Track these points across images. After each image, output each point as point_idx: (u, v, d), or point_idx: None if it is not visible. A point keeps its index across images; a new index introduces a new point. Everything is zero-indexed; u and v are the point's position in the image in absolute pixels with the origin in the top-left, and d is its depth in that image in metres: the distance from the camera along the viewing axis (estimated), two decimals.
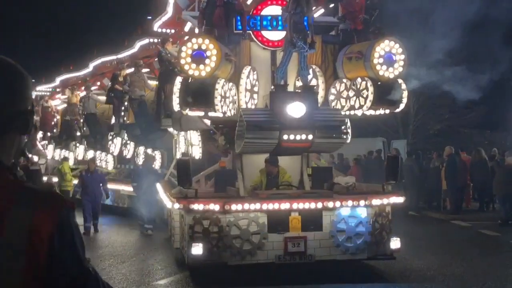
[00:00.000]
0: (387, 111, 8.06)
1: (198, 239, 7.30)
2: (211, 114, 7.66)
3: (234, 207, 7.16)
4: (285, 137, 7.23)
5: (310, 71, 8.64)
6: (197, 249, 7.21)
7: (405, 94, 7.94)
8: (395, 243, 7.62)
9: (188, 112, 7.67)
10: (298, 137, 7.26)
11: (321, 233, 7.47)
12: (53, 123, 19.90)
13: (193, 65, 7.27)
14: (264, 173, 8.45)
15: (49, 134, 19.89)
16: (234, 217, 7.27)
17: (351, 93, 8.03)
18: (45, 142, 20.45)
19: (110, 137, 15.67)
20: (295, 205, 7.28)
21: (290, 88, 8.08)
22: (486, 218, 13.26)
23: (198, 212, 7.34)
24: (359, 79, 7.87)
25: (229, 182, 8.51)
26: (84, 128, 17.92)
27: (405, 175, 13.46)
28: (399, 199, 7.83)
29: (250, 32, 8.58)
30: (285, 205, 7.25)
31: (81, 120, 17.89)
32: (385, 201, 7.64)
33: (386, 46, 7.65)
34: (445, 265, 8.47)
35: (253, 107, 8.15)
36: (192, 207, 7.30)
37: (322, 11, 9.42)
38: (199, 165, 9.66)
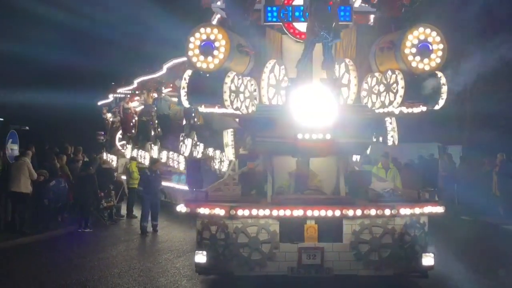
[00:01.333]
0: (424, 108, 7.04)
1: (205, 246, 6.76)
2: (221, 110, 7.08)
3: (240, 212, 6.51)
4: (299, 136, 6.48)
5: (343, 65, 7.86)
6: (200, 257, 6.66)
7: (444, 89, 6.89)
8: (427, 260, 6.63)
9: (200, 108, 7.17)
10: (314, 136, 6.49)
11: (340, 244, 6.64)
12: (132, 124, 20.48)
13: (201, 57, 6.73)
14: (294, 176, 7.77)
15: (128, 134, 20.52)
16: (242, 223, 6.63)
17: (382, 88, 7.12)
18: (124, 142, 21.11)
19: (181, 138, 15.76)
20: (309, 212, 6.51)
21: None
22: None
23: (205, 217, 6.80)
24: (389, 72, 6.94)
25: (256, 185, 7.89)
26: (159, 129, 18.38)
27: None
28: (437, 209, 6.80)
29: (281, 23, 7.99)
30: (298, 212, 6.50)
31: (156, 121, 18.37)
32: (417, 210, 6.66)
33: (421, 34, 6.65)
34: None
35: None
36: (198, 211, 6.76)
37: None
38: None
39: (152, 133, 18.52)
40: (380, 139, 7.67)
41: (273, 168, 8.18)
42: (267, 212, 6.52)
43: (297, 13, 8.08)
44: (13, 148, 12.92)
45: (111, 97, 22.48)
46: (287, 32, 8.10)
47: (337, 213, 6.51)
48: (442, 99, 6.92)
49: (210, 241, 6.75)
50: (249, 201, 7.13)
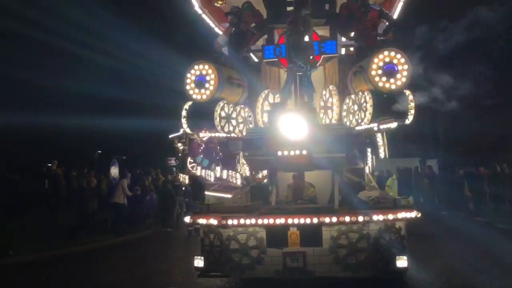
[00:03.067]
0: (395, 124, 7.72)
1: (205, 251, 7.75)
2: (215, 134, 8.17)
3: (230, 221, 7.47)
4: (279, 152, 7.40)
5: (328, 90, 8.76)
6: (199, 262, 7.64)
7: (412, 105, 7.56)
8: (401, 262, 7.17)
9: (199, 133, 8.31)
10: (292, 153, 7.38)
11: (320, 249, 7.35)
12: (199, 150, 22.56)
13: (196, 90, 7.92)
14: (291, 188, 8.75)
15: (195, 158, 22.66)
16: (233, 231, 7.57)
17: (356, 107, 7.91)
18: (194, 164, 23.27)
19: (238, 159, 17.24)
20: (290, 220, 7.32)
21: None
22: None
23: (205, 226, 7.82)
24: (360, 93, 7.74)
25: (264, 196, 8.91)
26: (220, 153, 20.28)
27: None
28: (411, 214, 7.38)
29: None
30: (280, 220, 7.35)
31: (217, 147, 20.19)
32: (390, 216, 7.27)
33: (386, 57, 7.43)
34: None
35: None
36: (198, 221, 7.79)
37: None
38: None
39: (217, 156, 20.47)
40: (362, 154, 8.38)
41: (278, 181, 9.30)
42: (253, 220, 7.42)
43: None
44: (115, 172, 18.11)
45: (181, 130, 24.91)
46: (283, 66, 9.18)
47: (315, 220, 7.28)
48: (410, 114, 7.59)
49: (209, 247, 7.75)
50: (248, 211, 8.04)
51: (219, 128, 7.89)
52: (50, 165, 22.39)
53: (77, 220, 16.00)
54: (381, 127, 8.01)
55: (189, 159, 24.78)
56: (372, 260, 7.23)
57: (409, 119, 7.64)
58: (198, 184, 14.15)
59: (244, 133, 8.31)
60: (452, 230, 14.25)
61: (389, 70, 7.41)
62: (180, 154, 27.32)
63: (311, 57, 8.04)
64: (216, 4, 10.01)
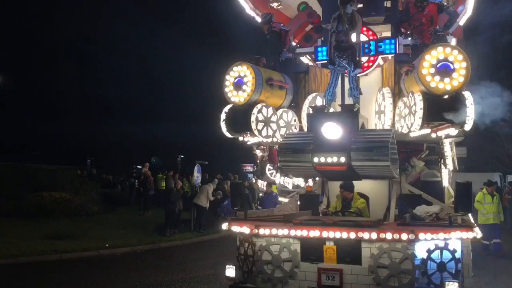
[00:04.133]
0: (452, 131, 6.75)
1: (239, 260, 7.38)
2: (254, 139, 7.78)
3: (262, 231, 7.01)
4: (315, 159, 6.82)
5: (382, 93, 8.00)
6: (230, 271, 7.27)
7: (471, 109, 6.56)
8: None
9: (240, 138, 7.97)
10: (329, 160, 6.76)
11: (359, 267, 6.61)
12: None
13: (234, 92, 7.61)
14: (340, 198, 8.16)
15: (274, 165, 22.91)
16: (266, 241, 7.10)
17: (406, 111, 7.06)
18: (273, 171, 23.53)
19: None
20: (325, 233, 6.68)
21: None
22: None
23: (240, 235, 7.45)
24: (410, 94, 6.89)
25: (313, 205, 8.46)
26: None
27: None
28: (468, 234, 6.39)
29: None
30: (314, 233, 6.74)
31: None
32: (441, 235, 6.34)
33: (440, 54, 6.53)
34: None
35: None
36: (231, 228, 7.45)
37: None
38: None
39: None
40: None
41: (328, 190, 8.78)
42: (285, 231, 6.89)
43: None
44: (198, 176, 19.73)
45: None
46: None
47: (352, 235, 6.57)
48: (469, 119, 6.58)
49: (243, 256, 7.36)
50: (286, 221, 7.52)
51: (256, 132, 7.49)
52: (140, 167, 23.60)
53: (165, 218, 17.86)
54: (439, 134, 7.09)
55: (268, 166, 25.01)
56: (418, 285, 6.35)
57: (469, 125, 6.64)
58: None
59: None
60: None
61: (444, 69, 6.50)
62: (258, 161, 27.73)
63: (357, 57, 7.34)
64: (272, 5, 9.64)
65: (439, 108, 6.56)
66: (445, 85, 6.50)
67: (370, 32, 8.72)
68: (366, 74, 8.82)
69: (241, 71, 7.54)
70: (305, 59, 10.06)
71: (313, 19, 9.41)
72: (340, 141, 6.80)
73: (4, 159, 21.07)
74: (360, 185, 8.38)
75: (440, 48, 6.55)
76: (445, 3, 7.51)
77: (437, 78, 6.51)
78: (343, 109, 7.08)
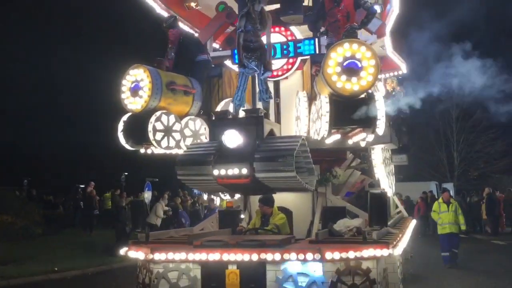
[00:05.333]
0: (364, 135, 6.09)
1: None
2: (159, 150, 6.95)
3: (157, 256, 6.16)
4: (215, 172, 6.05)
5: (299, 98, 7.33)
6: None
7: (382, 111, 5.91)
8: None
9: (142, 150, 7.15)
10: (230, 172, 6.00)
11: None
12: None
13: (131, 99, 6.81)
14: (259, 214, 7.41)
15: None
16: (164, 267, 6.25)
17: (316, 115, 6.38)
18: None
19: None
20: (226, 256, 5.88)
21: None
22: None
23: (138, 260, 6.60)
24: (318, 97, 6.22)
25: (234, 223, 7.75)
26: None
27: None
28: (382, 252, 5.68)
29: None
30: (214, 256, 5.92)
31: None
32: (351, 254, 5.61)
33: (347, 51, 5.88)
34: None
35: None
36: (128, 253, 6.58)
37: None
38: None
39: None
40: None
41: (250, 205, 8.08)
42: (183, 255, 6.07)
43: None
44: (148, 194, 18.31)
45: None
46: None
47: (255, 257, 5.78)
48: (379, 122, 5.92)
49: (142, 286, 6.50)
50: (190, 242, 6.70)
51: (154, 142, 6.67)
52: (83, 186, 22.46)
53: (115, 238, 16.71)
54: (355, 139, 6.43)
55: None
56: None
57: (380, 129, 5.98)
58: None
59: None
60: (469, 252, 14.74)
61: (350, 67, 5.85)
62: None
63: (267, 59, 6.65)
64: (189, 5, 8.88)
65: (347, 111, 5.88)
66: (353, 85, 5.83)
67: (289, 33, 8.08)
68: (286, 78, 8.16)
69: (138, 74, 6.75)
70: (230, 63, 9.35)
71: (232, 20, 8.68)
72: (242, 150, 6.08)
73: None
74: (282, 199, 7.68)
75: (346, 45, 5.90)
76: None
77: (344, 77, 5.84)
78: (246, 114, 6.34)
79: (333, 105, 5.90)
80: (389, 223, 9.07)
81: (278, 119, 8.00)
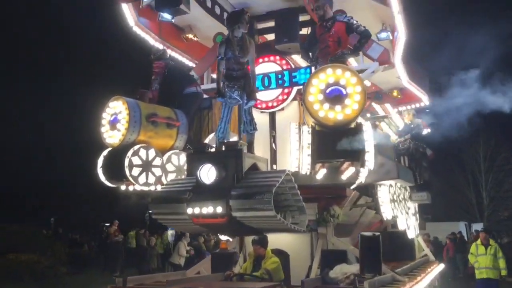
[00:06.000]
0: (353, 169, 5.45)
1: None
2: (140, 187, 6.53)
3: None
4: (189, 210, 5.54)
5: (292, 129, 6.79)
6: None
7: (370, 142, 5.29)
8: None
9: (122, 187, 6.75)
10: (205, 210, 5.47)
11: None
12: None
13: (110, 133, 6.48)
14: (252, 257, 6.80)
15: None
16: None
17: (300, 147, 5.82)
18: None
19: None
20: None
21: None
22: None
23: None
24: (301, 127, 5.67)
25: (228, 266, 7.15)
26: None
27: None
28: None
29: None
30: None
31: None
32: None
33: (330, 77, 5.36)
34: None
35: None
36: None
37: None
38: None
39: None
40: None
41: (245, 247, 7.53)
42: None
43: (257, 83, 7.48)
44: (172, 233, 18.69)
45: None
46: None
47: None
48: (369, 155, 5.29)
49: None
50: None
51: (131, 178, 6.27)
52: (107, 224, 22.37)
53: None
54: (346, 175, 5.79)
55: None
56: None
57: (368, 161, 5.33)
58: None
59: None
60: None
61: (334, 95, 5.30)
62: None
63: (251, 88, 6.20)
64: (187, 37, 8.64)
65: (331, 142, 5.29)
66: (336, 114, 5.27)
67: (284, 61, 7.64)
68: (282, 109, 7.67)
69: (117, 107, 6.44)
70: None
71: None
72: (218, 187, 5.56)
73: None
74: (278, 239, 7.07)
75: (329, 70, 5.38)
76: (354, 22, 6.39)
77: (327, 106, 5.30)
78: (224, 148, 5.85)
79: (316, 136, 5.33)
80: (404, 267, 8.31)
81: (274, 153, 7.49)
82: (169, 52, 8.47)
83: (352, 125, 5.38)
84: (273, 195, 5.24)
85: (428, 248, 12.45)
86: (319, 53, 6.41)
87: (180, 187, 5.83)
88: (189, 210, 5.54)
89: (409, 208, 10.02)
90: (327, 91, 5.32)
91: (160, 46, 8.14)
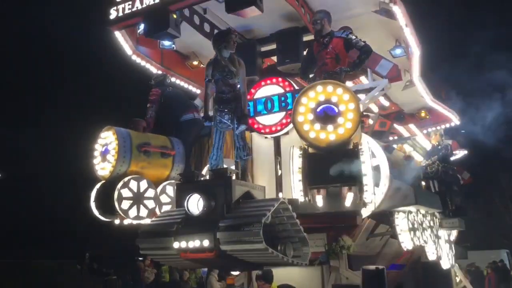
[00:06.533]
0: (350, 197, 4.90)
1: None
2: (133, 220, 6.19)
3: None
4: (176, 245, 5.13)
5: (291, 154, 6.33)
6: None
7: (367, 163, 4.74)
8: None
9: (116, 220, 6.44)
10: (191, 244, 5.05)
11: None
12: None
13: (102, 164, 6.22)
14: None
15: None
16: None
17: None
18: None
19: None
20: None
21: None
22: None
23: None
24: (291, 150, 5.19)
25: None
26: None
27: None
28: None
29: None
30: None
31: None
32: None
33: (320, 95, 4.90)
34: None
35: None
36: None
37: None
38: None
39: None
40: None
41: (253, 282, 7.06)
42: None
43: (259, 107, 7.14)
44: None
45: None
46: (253, 128, 7.14)
47: None
48: (368, 179, 4.73)
49: None
50: None
51: (120, 212, 5.94)
52: (141, 259, 22.19)
53: None
54: (347, 202, 5.24)
55: None
56: None
57: (370, 188, 4.78)
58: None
59: None
60: None
61: (325, 113, 4.83)
62: None
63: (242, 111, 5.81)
64: (192, 63, 8.43)
65: (324, 166, 4.79)
66: (328, 134, 4.78)
67: (287, 83, 7.23)
68: (287, 133, 7.21)
69: (108, 137, 6.20)
70: None
71: None
72: (206, 218, 5.14)
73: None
74: (286, 274, 6.50)
75: (319, 87, 4.93)
76: (353, 37, 5.93)
77: (317, 126, 4.83)
78: (214, 176, 5.44)
79: (307, 159, 4.85)
80: None
81: (280, 179, 7.03)
82: (174, 80, 8.30)
83: (349, 146, 4.86)
84: (268, 226, 4.79)
85: (466, 278, 11.46)
86: (317, 72, 5.98)
87: (168, 220, 5.45)
88: (176, 244, 5.14)
89: (440, 236, 9.23)
90: (318, 109, 4.85)
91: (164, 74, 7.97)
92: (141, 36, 7.41)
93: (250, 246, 4.84)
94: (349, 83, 7.79)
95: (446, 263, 9.58)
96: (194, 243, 5.04)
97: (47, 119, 23.39)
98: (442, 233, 9.53)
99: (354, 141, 4.89)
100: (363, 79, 7.82)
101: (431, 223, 8.64)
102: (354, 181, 4.71)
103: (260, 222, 4.79)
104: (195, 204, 5.23)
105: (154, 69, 7.94)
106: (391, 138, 10.01)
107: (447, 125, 11.54)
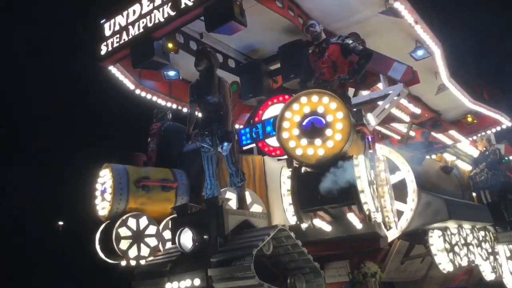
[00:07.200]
0: (352, 217, 4.26)
1: None
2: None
3: None
4: (168, 286, 4.71)
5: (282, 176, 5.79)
6: None
7: (364, 179, 4.10)
8: None
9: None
10: (183, 284, 4.61)
11: None
12: None
13: (101, 204, 5.97)
14: None
15: None
16: None
17: None
18: None
19: None
20: None
21: None
22: None
23: None
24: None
25: None
26: None
27: None
28: None
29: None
30: None
31: None
32: None
33: (305, 106, 4.37)
34: None
35: None
36: None
37: None
38: None
39: None
40: None
41: None
42: None
43: (268, 128, 6.68)
44: None
45: None
46: (264, 152, 6.71)
47: None
48: (363, 195, 4.09)
49: None
50: None
51: (120, 253, 5.60)
52: None
53: None
54: (358, 225, 4.61)
55: None
56: None
57: (369, 204, 4.13)
58: None
59: None
60: None
61: (312, 126, 4.29)
62: None
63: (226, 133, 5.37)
64: None
65: (315, 186, 4.21)
66: (316, 149, 4.22)
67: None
68: None
69: (105, 175, 5.96)
70: None
71: (247, 99, 7.72)
72: (198, 254, 4.70)
73: None
74: None
75: (303, 99, 4.41)
76: (350, 42, 5.36)
77: (304, 141, 4.29)
78: (205, 206, 5.01)
79: (297, 180, 4.30)
80: None
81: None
82: (186, 110, 8.05)
83: (342, 160, 4.26)
84: (271, 257, 4.28)
85: None
86: (314, 83, 5.43)
87: (163, 259, 5.06)
88: (168, 285, 4.72)
89: (497, 252, 8.17)
90: (304, 123, 4.32)
91: (173, 105, 7.76)
92: (144, 70, 7.27)
93: (243, 283, 4.33)
94: (365, 92, 7.21)
95: (510, 281, 8.46)
96: (185, 283, 4.60)
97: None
98: (501, 248, 8.44)
99: (350, 154, 4.30)
100: (381, 86, 7.18)
101: (482, 239, 7.64)
102: (348, 199, 4.10)
103: (251, 255, 4.28)
104: (189, 239, 4.81)
105: (162, 102, 7.74)
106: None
107: (498, 128, 10.49)
